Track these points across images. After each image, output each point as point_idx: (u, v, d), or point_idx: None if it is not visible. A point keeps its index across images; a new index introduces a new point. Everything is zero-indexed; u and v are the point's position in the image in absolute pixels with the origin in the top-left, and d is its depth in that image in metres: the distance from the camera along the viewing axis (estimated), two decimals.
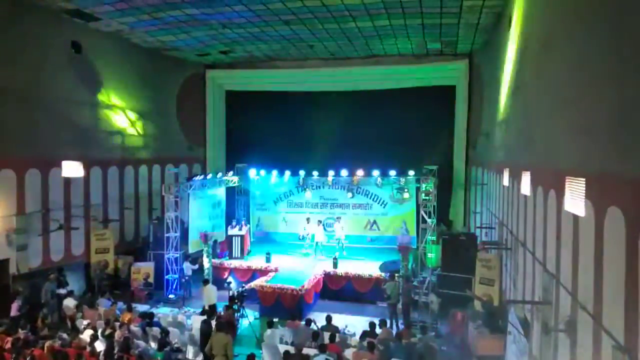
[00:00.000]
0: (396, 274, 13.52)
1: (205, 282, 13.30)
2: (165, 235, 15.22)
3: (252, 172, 18.72)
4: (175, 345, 9.72)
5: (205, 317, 10.56)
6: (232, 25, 14.59)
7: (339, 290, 15.12)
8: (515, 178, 9.11)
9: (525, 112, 8.75)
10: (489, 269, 11.28)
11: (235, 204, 19.38)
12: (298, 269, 15.49)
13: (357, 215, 18.97)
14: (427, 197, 14.82)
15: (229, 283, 14.80)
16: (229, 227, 17.62)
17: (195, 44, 16.79)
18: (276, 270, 15.51)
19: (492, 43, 14.37)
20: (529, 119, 8.46)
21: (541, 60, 7.57)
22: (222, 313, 11.31)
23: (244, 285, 14.54)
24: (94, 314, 11.30)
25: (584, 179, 4.88)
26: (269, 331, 10.18)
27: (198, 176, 16.80)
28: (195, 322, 11.27)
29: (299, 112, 19.16)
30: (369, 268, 15.43)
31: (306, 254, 17.17)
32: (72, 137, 14.21)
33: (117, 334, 9.62)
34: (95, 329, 9.98)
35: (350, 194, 17.88)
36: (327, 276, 15.30)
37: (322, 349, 8.64)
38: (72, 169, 13.36)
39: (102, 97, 15.47)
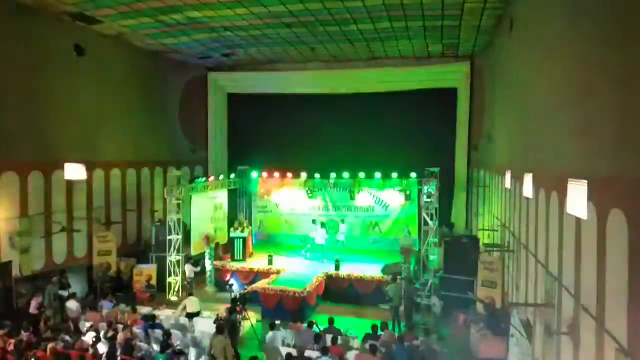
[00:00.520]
0: (398, 277, 13.51)
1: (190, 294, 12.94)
2: (168, 237, 15.24)
3: (254, 175, 18.73)
4: (178, 348, 9.71)
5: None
6: (234, 28, 14.64)
7: (341, 292, 15.09)
8: (518, 180, 9.11)
9: (528, 114, 8.75)
10: (492, 272, 11.28)
11: (238, 207, 19.39)
12: (300, 271, 15.49)
13: (359, 217, 18.96)
14: (429, 200, 14.81)
15: (231, 285, 14.81)
16: (231, 230, 17.64)
17: (197, 46, 16.84)
18: (278, 272, 15.51)
19: (494, 45, 14.38)
20: (531, 121, 8.46)
21: (543, 62, 7.57)
22: (223, 315, 11.32)
23: (246, 287, 14.54)
24: (96, 317, 11.32)
25: (586, 182, 4.87)
26: (271, 334, 10.17)
27: (200, 178, 16.82)
28: (198, 324, 11.29)
29: (301, 115, 19.18)
30: (371, 270, 15.41)
31: (312, 257, 17.06)
32: (75, 140, 14.25)
33: (120, 337, 9.64)
34: (97, 332, 9.99)
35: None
36: (330, 278, 15.28)
37: (325, 351, 8.64)
38: (75, 171, 13.39)
39: (104, 99, 15.51)
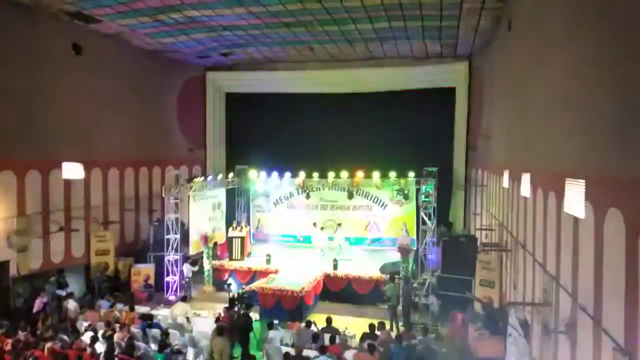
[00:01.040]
0: (396, 276, 13.52)
1: (183, 299, 12.90)
2: (166, 237, 15.23)
3: (252, 174, 18.73)
4: (176, 347, 9.72)
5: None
6: (233, 28, 14.62)
7: (339, 292, 15.11)
8: (515, 180, 9.12)
9: (525, 114, 8.76)
10: (489, 271, 11.30)
11: (236, 206, 19.38)
12: (298, 271, 15.49)
13: (357, 217, 18.96)
14: (427, 199, 14.82)
15: (229, 285, 14.81)
16: (229, 229, 17.63)
17: (195, 46, 16.82)
18: (276, 272, 15.51)
19: (492, 45, 14.40)
20: (528, 120, 8.48)
21: (541, 62, 7.59)
22: (222, 315, 11.32)
23: (244, 286, 14.54)
24: (94, 316, 11.30)
25: (583, 181, 4.89)
26: (269, 333, 10.18)
27: (198, 178, 16.81)
28: (196, 324, 11.29)
29: (299, 114, 19.16)
30: (369, 270, 15.42)
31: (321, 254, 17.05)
32: (72, 139, 14.22)
33: (117, 336, 9.63)
34: (95, 331, 9.98)
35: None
36: (327, 278, 15.30)
37: (323, 350, 8.65)
38: (72, 170, 13.39)
39: (102, 98, 15.48)
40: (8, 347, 9.05)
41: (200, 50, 17.56)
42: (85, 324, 10.72)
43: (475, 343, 9.80)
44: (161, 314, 12.04)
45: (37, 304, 11.73)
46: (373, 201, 18.68)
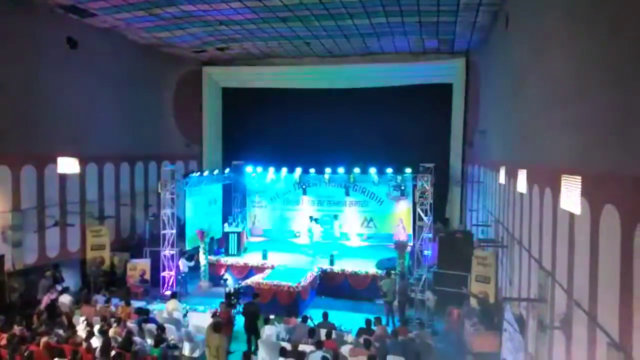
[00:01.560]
0: (392, 272, 13.55)
1: (173, 295, 12.50)
2: (162, 232, 15.19)
3: (248, 169, 18.70)
4: (172, 342, 9.72)
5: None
6: (229, 22, 14.55)
7: (335, 287, 15.12)
8: (512, 176, 9.15)
9: (522, 110, 8.77)
10: (485, 267, 11.35)
11: (232, 201, 19.36)
12: (295, 266, 15.49)
13: (354, 212, 18.98)
14: (423, 195, 14.84)
15: (225, 280, 14.80)
16: (225, 224, 17.61)
17: (191, 40, 16.73)
18: (272, 267, 15.51)
19: (489, 41, 14.40)
20: (525, 117, 8.49)
21: (538, 58, 7.59)
22: (219, 310, 11.31)
23: (240, 282, 14.54)
24: (90, 311, 11.27)
25: (579, 177, 4.91)
26: (265, 328, 10.18)
27: (194, 173, 16.77)
28: (192, 318, 11.29)
29: (296, 110, 19.13)
30: (366, 265, 15.45)
31: (311, 253, 16.89)
32: (67, 134, 14.13)
33: (112, 331, 9.61)
34: (91, 326, 9.96)
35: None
36: (324, 273, 15.30)
37: (319, 345, 8.66)
38: (67, 165, 13.30)
39: (97, 92, 15.38)
40: (3, 342, 9.01)
41: (196, 45, 17.47)
42: (81, 318, 10.69)
43: (471, 338, 9.85)
44: (157, 308, 12.02)
45: (45, 301, 11.65)
46: (369, 197, 18.70)
